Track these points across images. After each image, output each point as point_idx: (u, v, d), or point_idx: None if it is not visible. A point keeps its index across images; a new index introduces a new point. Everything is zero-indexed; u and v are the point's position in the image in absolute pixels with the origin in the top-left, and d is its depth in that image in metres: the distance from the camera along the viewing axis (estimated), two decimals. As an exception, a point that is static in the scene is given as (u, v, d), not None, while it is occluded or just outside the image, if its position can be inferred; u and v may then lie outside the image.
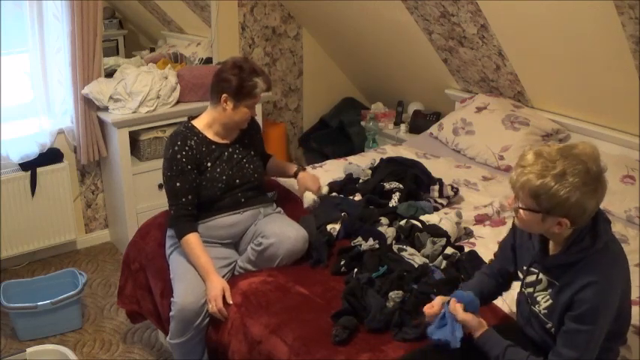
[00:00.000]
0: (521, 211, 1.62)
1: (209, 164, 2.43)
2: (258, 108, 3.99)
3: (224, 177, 2.44)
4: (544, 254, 1.72)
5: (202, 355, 2.37)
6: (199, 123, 2.48)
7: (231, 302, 2.24)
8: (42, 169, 3.43)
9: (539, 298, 1.72)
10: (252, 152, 2.58)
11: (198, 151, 2.41)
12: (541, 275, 1.72)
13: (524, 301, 1.80)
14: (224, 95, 2.38)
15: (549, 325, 1.71)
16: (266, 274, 2.33)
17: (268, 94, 4.21)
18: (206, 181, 2.42)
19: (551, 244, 1.72)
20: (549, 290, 1.70)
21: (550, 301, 1.69)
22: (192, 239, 2.35)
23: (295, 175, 2.76)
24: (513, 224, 1.86)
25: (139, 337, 3.01)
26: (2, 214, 3.36)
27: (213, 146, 2.46)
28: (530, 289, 1.75)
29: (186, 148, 2.38)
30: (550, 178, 1.53)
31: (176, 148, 2.37)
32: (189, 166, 2.37)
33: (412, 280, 2.19)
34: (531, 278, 1.75)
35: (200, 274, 2.32)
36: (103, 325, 3.10)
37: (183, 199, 2.37)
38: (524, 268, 1.78)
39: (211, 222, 2.45)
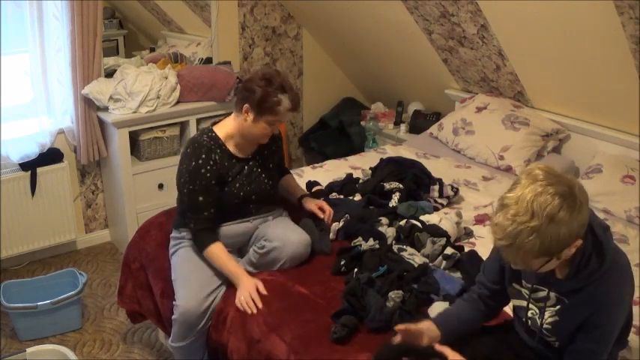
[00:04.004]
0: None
1: (230, 179, 2.37)
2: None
3: (241, 193, 2.39)
4: (551, 275, 1.65)
5: (203, 356, 2.37)
6: (221, 131, 2.38)
7: (265, 293, 2.23)
8: (42, 169, 3.43)
9: (546, 314, 1.68)
10: (271, 165, 2.51)
11: (222, 166, 2.34)
12: (550, 293, 1.67)
13: (526, 314, 1.74)
14: (246, 105, 2.28)
15: (552, 340, 1.69)
16: (266, 274, 2.33)
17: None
18: (224, 195, 2.36)
19: None
20: (557, 307, 1.65)
21: (556, 318, 1.65)
22: (216, 249, 2.31)
23: (299, 201, 2.64)
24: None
25: (139, 337, 3.01)
26: (2, 214, 3.36)
27: (234, 160, 2.38)
28: (541, 304, 1.69)
29: (211, 162, 2.30)
30: (546, 229, 1.44)
31: (200, 161, 2.29)
32: (213, 181, 2.30)
33: (412, 280, 2.19)
34: (541, 294, 1.69)
35: (232, 280, 2.30)
36: (103, 325, 3.10)
37: (205, 213, 2.31)
38: (530, 286, 1.71)
39: (219, 229, 2.41)
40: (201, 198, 2.30)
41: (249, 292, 2.23)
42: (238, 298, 2.24)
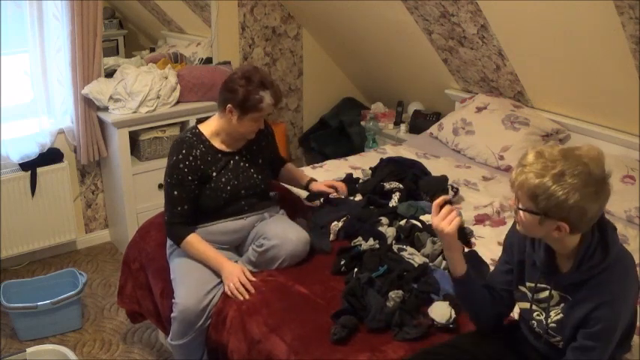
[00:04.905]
0: (520, 212, 1.59)
1: (214, 174, 2.38)
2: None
3: (228, 187, 2.40)
4: (553, 269, 1.67)
5: (202, 355, 2.37)
6: (207, 129, 2.41)
7: (254, 279, 2.27)
8: (42, 169, 3.43)
9: (551, 313, 1.68)
10: (261, 160, 2.52)
11: (203, 161, 2.36)
12: (553, 291, 1.67)
13: (532, 316, 1.74)
14: (229, 106, 2.30)
15: (557, 339, 1.68)
16: (266, 274, 2.33)
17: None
18: (210, 190, 2.38)
19: (558, 257, 1.67)
20: (561, 305, 1.66)
21: (560, 315, 1.66)
22: (192, 240, 2.35)
23: (307, 187, 2.74)
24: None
25: (139, 337, 3.01)
26: (2, 214, 3.36)
27: (219, 155, 2.40)
28: (544, 305, 1.69)
29: (190, 158, 2.33)
30: (548, 178, 1.49)
31: (180, 156, 2.32)
32: (189, 177, 2.33)
33: (412, 280, 2.19)
34: (543, 294, 1.69)
35: (213, 268, 2.32)
36: (103, 325, 3.10)
37: (179, 208, 2.35)
38: (533, 285, 1.72)
39: (213, 227, 2.43)
40: (175, 192, 2.34)
41: (237, 277, 2.25)
42: (227, 286, 2.26)
